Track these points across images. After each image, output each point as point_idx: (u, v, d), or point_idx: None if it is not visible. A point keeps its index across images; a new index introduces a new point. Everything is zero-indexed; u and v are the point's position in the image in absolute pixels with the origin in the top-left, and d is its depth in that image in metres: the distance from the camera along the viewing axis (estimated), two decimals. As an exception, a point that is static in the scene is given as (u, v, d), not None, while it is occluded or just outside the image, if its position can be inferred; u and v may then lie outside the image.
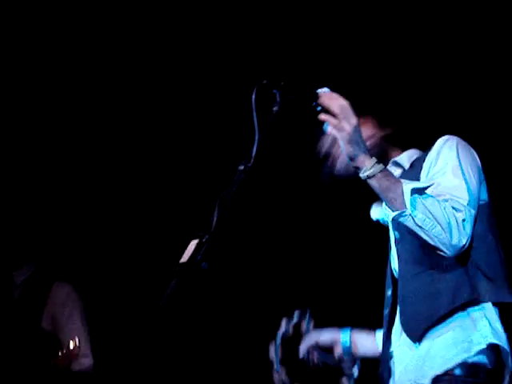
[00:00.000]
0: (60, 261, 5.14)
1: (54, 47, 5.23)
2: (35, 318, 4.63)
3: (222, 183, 2.59)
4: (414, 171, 2.84)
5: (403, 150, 2.97)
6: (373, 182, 2.63)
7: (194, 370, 5.69)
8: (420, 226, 2.60)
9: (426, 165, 2.80)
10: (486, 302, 2.70)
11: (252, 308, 5.62)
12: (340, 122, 2.59)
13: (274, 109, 2.60)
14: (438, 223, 2.58)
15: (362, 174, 2.63)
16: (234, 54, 5.18)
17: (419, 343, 2.74)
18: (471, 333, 2.67)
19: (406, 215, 2.60)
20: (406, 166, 2.91)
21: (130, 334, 5.24)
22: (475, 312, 2.70)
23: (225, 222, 2.44)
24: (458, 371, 2.64)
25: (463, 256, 2.68)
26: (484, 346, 2.65)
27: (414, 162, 2.89)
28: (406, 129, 2.96)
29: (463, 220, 2.61)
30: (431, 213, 2.58)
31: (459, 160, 2.74)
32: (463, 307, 2.69)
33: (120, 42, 5.25)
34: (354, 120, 2.60)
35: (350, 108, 2.60)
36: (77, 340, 4.31)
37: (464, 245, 2.62)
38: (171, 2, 5.12)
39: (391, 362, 2.87)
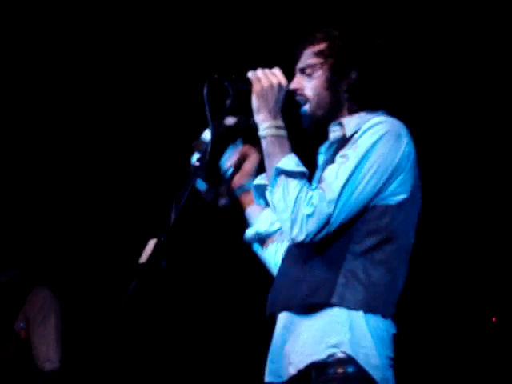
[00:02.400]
0: (41, 265, 5.16)
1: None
2: (9, 320, 4.63)
3: (177, 182, 2.57)
4: (348, 141, 2.62)
5: (363, 109, 2.70)
6: (263, 143, 2.59)
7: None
8: (274, 206, 2.54)
9: (350, 141, 2.59)
10: (354, 309, 2.51)
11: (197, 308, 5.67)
12: (260, 73, 2.62)
13: (228, 102, 2.60)
14: (287, 209, 2.49)
15: (259, 132, 2.61)
16: (187, 48, 5.17)
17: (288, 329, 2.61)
18: (329, 335, 2.50)
19: (269, 190, 2.57)
20: (350, 130, 2.64)
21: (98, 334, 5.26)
22: (342, 315, 2.51)
23: (182, 220, 2.43)
24: (311, 372, 2.51)
25: (339, 254, 2.53)
26: (336, 352, 2.48)
27: (355, 131, 2.63)
28: (369, 84, 2.67)
29: (308, 215, 2.46)
30: (286, 196, 2.50)
31: (368, 155, 2.52)
32: (330, 306, 2.51)
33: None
34: (275, 80, 2.62)
35: (278, 72, 2.64)
36: (22, 324, 4.39)
37: (303, 241, 2.48)
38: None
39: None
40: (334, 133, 2.71)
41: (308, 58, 2.71)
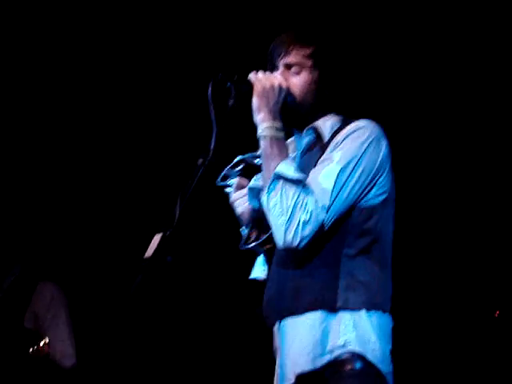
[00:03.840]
0: (46, 260, 5.16)
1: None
2: (18, 317, 4.63)
3: (182, 177, 2.62)
4: (326, 145, 2.73)
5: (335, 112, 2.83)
6: (262, 143, 2.67)
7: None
8: (269, 210, 2.60)
9: (331, 145, 2.71)
10: (357, 309, 2.61)
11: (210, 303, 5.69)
12: (262, 75, 2.72)
13: (230, 102, 2.66)
14: (283, 214, 2.56)
15: (258, 132, 2.68)
16: (189, 48, 5.21)
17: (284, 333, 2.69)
18: (336, 336, 2.59)
19: (266, 193, 2.62)
20: (326, 134, 2.76)
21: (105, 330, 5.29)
22: (345, 316, 2.60)
23: (187, 215, 2.49)
24: (325, 372, 2.59)
25: (335, 258, 2.63)
26: (345, 352, 2.58)
27: (334, 132, 2.75)
28: (344, 90, 2.83)
29: (304, 222, 2.55)
30: (283, 202, 2.57)
31: (354, 158, 2.64)
32: (333, 309, 2.61)
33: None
34: (276, 82, 2.70)
35: (279, 75, 2.74)
36: (47, 339, 4.35)
37: (297, 247, 2.56)
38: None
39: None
40: (309, 137, 2.81)
41: (296, 56, 2.78)
